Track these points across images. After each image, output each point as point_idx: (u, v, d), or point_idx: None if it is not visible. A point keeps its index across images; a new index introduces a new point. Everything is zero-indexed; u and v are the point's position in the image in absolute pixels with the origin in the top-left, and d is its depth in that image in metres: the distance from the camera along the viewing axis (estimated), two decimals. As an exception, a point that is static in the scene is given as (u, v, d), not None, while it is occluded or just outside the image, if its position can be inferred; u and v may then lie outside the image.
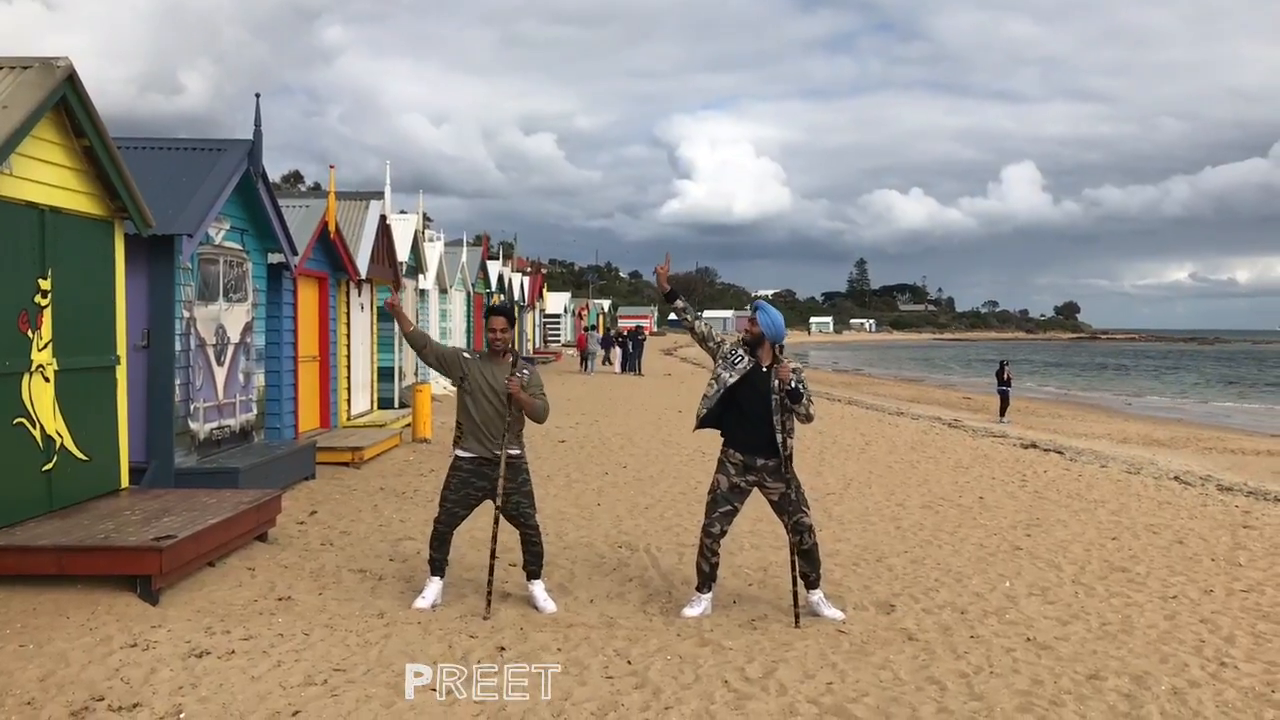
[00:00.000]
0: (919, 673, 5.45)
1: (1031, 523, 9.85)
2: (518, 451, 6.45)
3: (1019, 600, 6.98)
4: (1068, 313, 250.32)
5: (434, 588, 6.52)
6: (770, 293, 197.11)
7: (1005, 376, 25.83)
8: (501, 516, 6.40)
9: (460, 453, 6.43)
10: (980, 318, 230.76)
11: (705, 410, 6.36)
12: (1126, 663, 5.71)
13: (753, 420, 6.23)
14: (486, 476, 6.37)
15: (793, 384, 6.12)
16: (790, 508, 6.33)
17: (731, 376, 6.27)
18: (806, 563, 6.41)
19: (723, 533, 6.40)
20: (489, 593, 6.39)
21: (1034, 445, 17.27)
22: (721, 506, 6.36)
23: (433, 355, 6.56)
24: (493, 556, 6.46)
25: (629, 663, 5.48)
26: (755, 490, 6.42)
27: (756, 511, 7.66)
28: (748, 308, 6.43)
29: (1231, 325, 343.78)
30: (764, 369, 6.27)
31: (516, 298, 40.47)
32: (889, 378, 48.66)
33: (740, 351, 6.34)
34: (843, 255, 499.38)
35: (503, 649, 5.63)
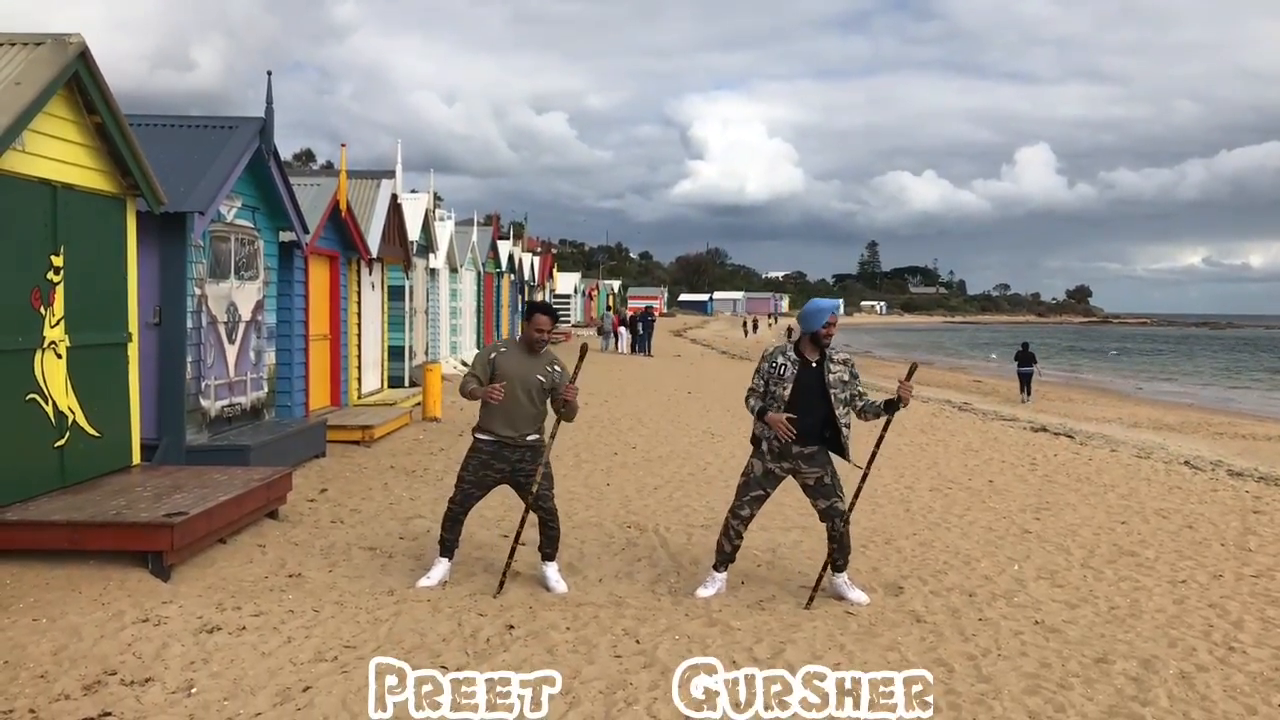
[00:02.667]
0: (927, 654, 5.46)
1: (1041, 506, 9.84)
2: (537, 436, 6.48)
3: (1027, 583, 6.99)
4: (1079, 296, 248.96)
5: (441, 569, 6.54)
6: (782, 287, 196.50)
7: (1028, 358, 25.61)
8: (516, 497, 6.40)
9: (481, 435, 6.44)
10: (991, 301, 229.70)
11: (757, 403, 6.33)
12: (1134, 646, 5.71)
13: (801, 413, 6.17)
14: (506, 459, 6.40)
15: (899, 401, 6.29)
16: (826, 492, 6.33)
17: (785, 389, 6.21)
18: (839, 548, 6.41)
19: (751, 516, 6.43)
20: (504, 573, 6.41)
21: (1044, 429, 17.23)
22: (754, 490, 6.37)
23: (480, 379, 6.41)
24: (516, 540, 6.46)
25: (637, 642, 5.50)
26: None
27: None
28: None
29: (1245, 310, 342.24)
30: (813, 365, 6.24)
31: (527, 278, 40.40)
32: (899, 360, 48.46)
33: (780, 359, 6.29)
34: (854, 237, 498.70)
35: (511, 627, 5.66)
